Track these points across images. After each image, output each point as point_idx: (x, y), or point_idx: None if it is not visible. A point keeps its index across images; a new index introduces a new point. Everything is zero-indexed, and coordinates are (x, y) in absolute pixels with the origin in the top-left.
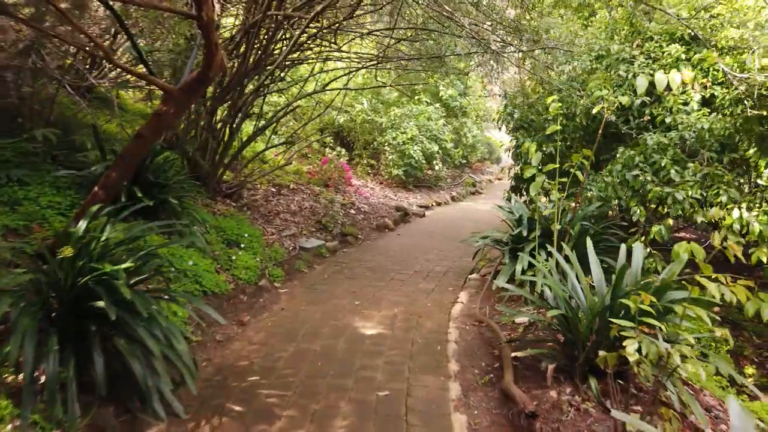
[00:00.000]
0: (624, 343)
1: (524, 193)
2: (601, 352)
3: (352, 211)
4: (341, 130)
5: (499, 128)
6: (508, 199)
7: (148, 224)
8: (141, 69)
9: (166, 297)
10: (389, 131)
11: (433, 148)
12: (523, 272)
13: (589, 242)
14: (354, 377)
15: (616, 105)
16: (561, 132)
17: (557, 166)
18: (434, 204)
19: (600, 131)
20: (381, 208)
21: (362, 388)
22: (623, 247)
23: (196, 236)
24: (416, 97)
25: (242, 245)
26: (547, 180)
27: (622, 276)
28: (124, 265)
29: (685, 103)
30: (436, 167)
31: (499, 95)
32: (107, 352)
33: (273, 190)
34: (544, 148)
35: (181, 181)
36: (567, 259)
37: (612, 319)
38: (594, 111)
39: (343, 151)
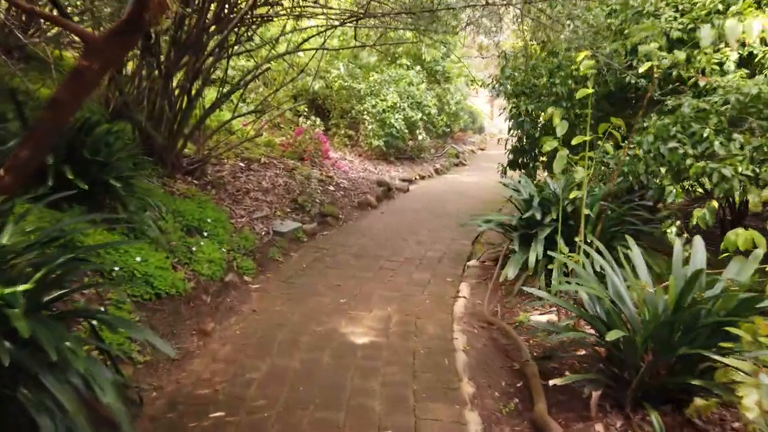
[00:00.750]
0: (739, 394)
1: (523, 168)
2: (698, 401)
3: (331, 188)
4: (316, 97)
5: (497, 94)
6: (503, 173)
7: (78, 216)
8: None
9: (94, 321)
10: (368, 98)
11: (415, 116)
12: (537, 262)
13: (630, 240)
14: (345, 408)
15: (654, 65)
16: (572, 99)
17: (588, 138)
18: (418, 177)
19: (648, 96)
20: (362, 183)
21: (357, 425)
22: (677, 242)
23: (146, 224)
24: (397, 61)
25: (205, 232)
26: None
27: (694, 280)
28: (23, 286)
29: (720, 64)
30: (419, 137)
31: (486, 57)
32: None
33: (242, 165)
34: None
35: (130, 158)
36: (598, 251)
37: (699, 351)
38: (642, 69)
39: (319, 120)
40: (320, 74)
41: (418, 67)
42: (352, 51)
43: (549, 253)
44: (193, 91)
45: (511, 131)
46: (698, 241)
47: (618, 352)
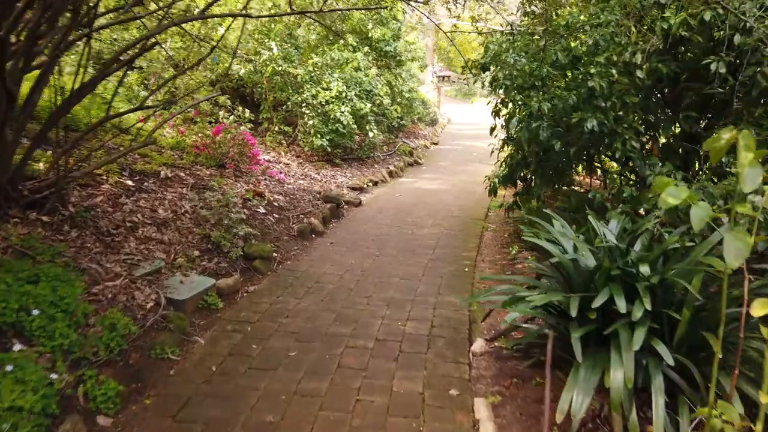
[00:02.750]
0: None
1: (524, 192)
2: None
3: (261, 210)
4: (243, 85)
5: (490, 87)
6: (492, 192)
7: None
8: None
9: None
10: (308, 87)
11: (365, 108)
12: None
13: None
14: None
15: None
16: (612, 95)
17: None
18: (369, 184)
19: None
20: (302, 197)
21: None
22: None
23: None
24: (341, 41)
25: (28, 333)
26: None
27: None
28: None
29: None
30: (370, 133)
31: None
32: None
33: (130, 183)
34: (590, 121)
35: None
36: None
37: None
38: None
39: (247, 113)
40: (247, 56)
41: (366, 48)
42: (287, 26)
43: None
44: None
45: (510, 135)
46: None
47: None
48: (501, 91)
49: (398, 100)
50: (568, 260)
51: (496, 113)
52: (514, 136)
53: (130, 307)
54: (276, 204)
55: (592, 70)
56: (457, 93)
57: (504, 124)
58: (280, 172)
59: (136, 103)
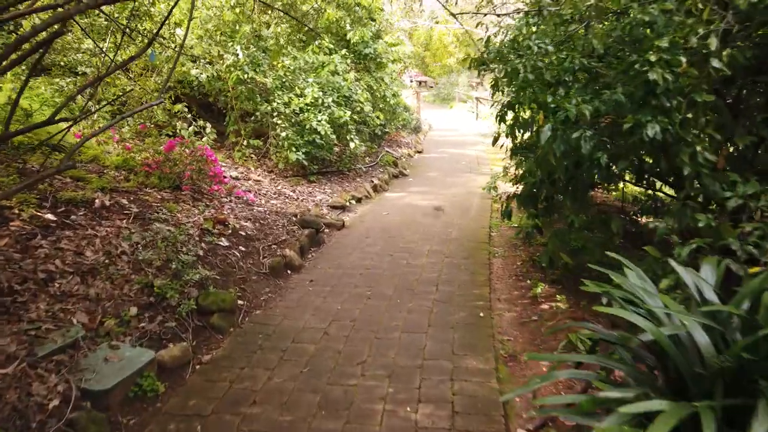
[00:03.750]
0: None
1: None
2: None
3: (224, 243)
4: (205, 93)
5: (496, 86)
6: (505, 216)
7: None
8: None
9: None
10: (279, 94)
11: (344, 116)
12: None
13: None
14: None
15: None
16: (653, 91)
17: None
18: (352, 201)
19: None
20: (275, 222)
21: None
22: None
23: None
24: (315, 43)
25: None
26: None
27: None
28: None
29: None
30: (351, 144)
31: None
32: None
33: (51, 218)
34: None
35: None
36: None
37: None
38: None
39: (209, 126)
40: (209, 58)
41: (344, 51)
42: (255, 27)
43: None
44: None
45: (522, 145)
46: None
47: None
48: (509, 91)
49: (380, 105)
50: (667, 338)
51: (500, 118)
52: (542, 148)
53: (22, 409)
54: (243, 233)
55: (652, 58)
56: (435, 98)
57: (508, 131)
58: (249, 191)
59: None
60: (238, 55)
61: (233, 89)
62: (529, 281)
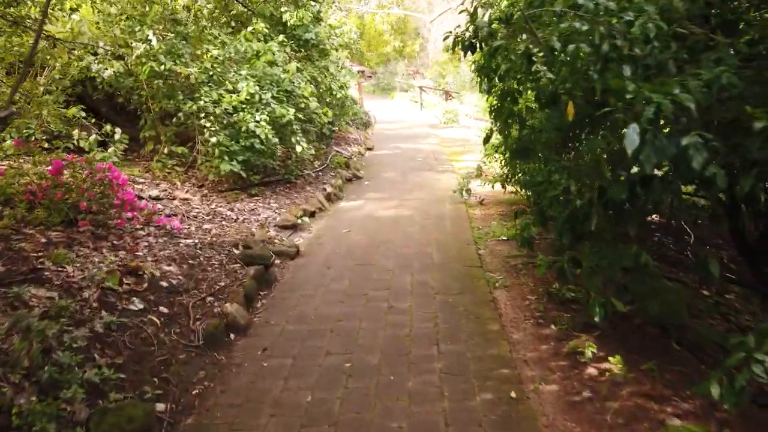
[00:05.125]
0: None
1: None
2: None
3: (136, 305)
4: (112, 91)
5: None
6: (527, 244)
7: None
8: None
9: None
10: (206, 90)
11: (287, 114)
12: None
13: None
14: None
15: None
16: None
17: None
18: (305, 217)
19: None
20: (210, 261)
21: None
22: None
23: None
24: (248, 27)
25: None
26: None
27: None
28: None
29: None
30: (298, 147)
31: None
32: None
33: None
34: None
35: None
36: None
37: None
38: None
39: (119, 132)
40: (109, 48)
41: (281, 37)
42: (169, 8)
43: None
44: None
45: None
46: None
47: None
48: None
49: (327, 100)
50: None
51: (496, 112)
52: (594, 157)
53: None
54: (165, 284)
55: None
56: (375, 88)
57: (500, 126)
58: (175, 215)
59: None
60: (150, 41)
61: (148, 85)
62: (554, 327)
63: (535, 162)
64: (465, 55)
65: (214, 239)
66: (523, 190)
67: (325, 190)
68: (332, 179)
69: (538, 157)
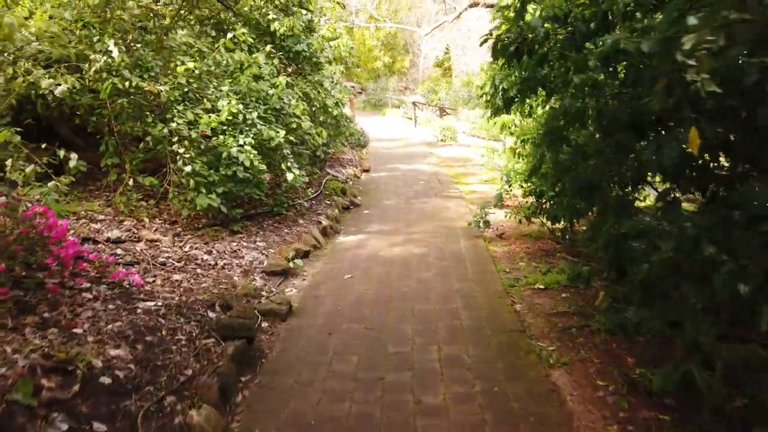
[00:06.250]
0: None
1: None
2: None
3: (59, 427)
4: (69, 110)
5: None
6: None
7: None
8: None
9: None
10: (180, 109)
11: (276, 136)
12: None
13: None
14: None
15: None
16: None
17: None
18: (297, 259)
19: None
20: (175, 334)
21: None
22: None
23: None
24: (228, 35)
25: None
26: None
27: None
28: None
29: None
30: (289, 174)
31: None
32: None
33: None
34: None
35: None
36: None
37: None
38: None
39: (74, 158)
40: (69, 60)
41: (269, 48)
42: (135, 13)
43: None
44: None
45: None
46: None
47: None
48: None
49: (320, 118)
50: None
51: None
52: None
53: None
54: (107, 380)
55: None
56: (365, 104)
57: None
58: (136, 264)
59: None
60: (111, 53)
61: (111, 104)
62: None
63: (601, 203)
64: (509, 64)
65: (185, 297)
66: (549, 222)
67: (320, 222)
68: (328, 209)
69: (611, 197)
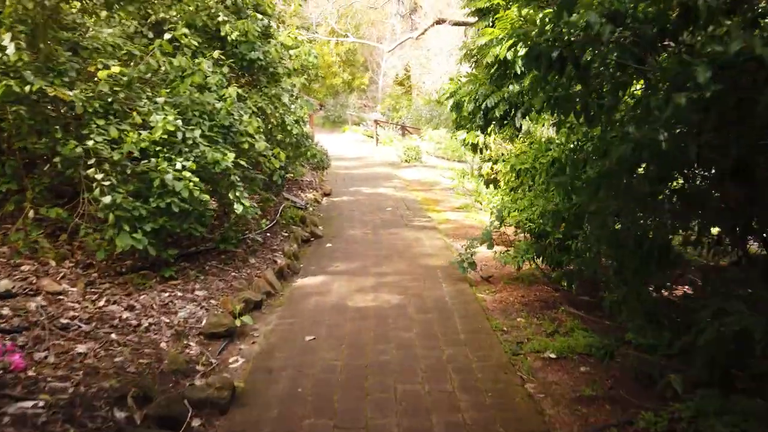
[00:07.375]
0: None
1: None
2: None
3: None
4: None
5: None
6: None
7: None
8: None
9: None
10: (100, 124)
11: (224, 159)
12: None
13: None
14: None
15: None
16: None
17: None
18: (246, 310)
19: None
20: None
21: None
22: None
23: None
24: (165, 35)
25: None
26: None
27: None
28: None
29: None
30: (238, 207)
31: None
32: None
33: None
34: None
35: None
36: None
37: None
38: None
39: None
40: None
41: (217, 53)
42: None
43: None
44: None
45: None
46: None
47: None
48: None
49: (278, 137)
50: None
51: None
52: None
53: None
54: None
55: None
56: (324, 121)
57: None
58: (24, 330)
59: None
60: (5, 48)
61: (5, 114)
62: None
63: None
64: (547, 77)
65: (86, 382)
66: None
67: (275, 261)
68: (285, 243)
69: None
